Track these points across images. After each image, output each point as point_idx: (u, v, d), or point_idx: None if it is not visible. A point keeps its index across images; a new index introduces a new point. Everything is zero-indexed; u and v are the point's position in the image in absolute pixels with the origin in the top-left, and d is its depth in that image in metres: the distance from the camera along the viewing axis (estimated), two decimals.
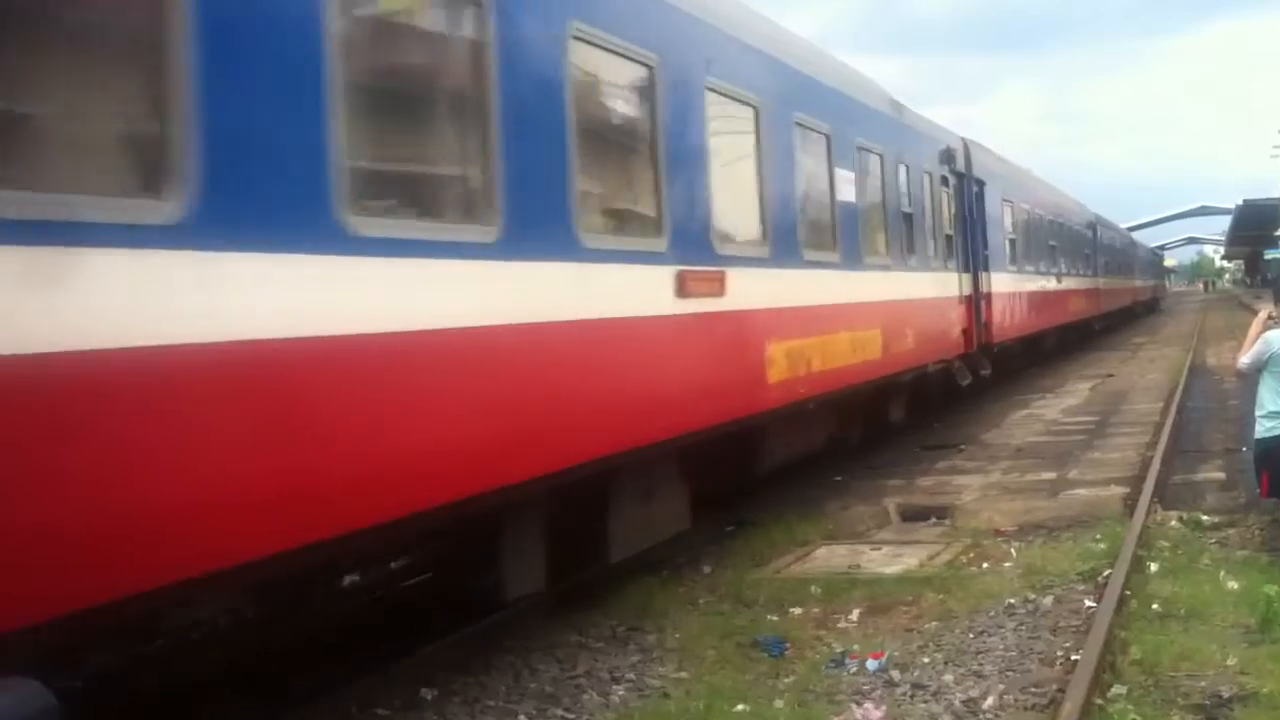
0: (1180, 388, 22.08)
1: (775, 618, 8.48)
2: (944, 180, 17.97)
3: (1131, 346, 38.75)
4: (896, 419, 16.20)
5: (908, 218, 15.48)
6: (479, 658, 7.72)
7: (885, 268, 14.28)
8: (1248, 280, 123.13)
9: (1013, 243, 23.37)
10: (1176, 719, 6.21)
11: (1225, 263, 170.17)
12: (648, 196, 8.72)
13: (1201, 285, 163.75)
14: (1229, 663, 6.90)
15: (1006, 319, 21.29)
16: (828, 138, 12.26)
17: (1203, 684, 6.61)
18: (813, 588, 9.12)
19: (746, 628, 8.21)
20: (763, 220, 10.44)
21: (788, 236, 10.92)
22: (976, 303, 18.87)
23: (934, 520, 11.59)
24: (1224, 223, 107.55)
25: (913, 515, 11.85)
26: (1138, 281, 61.79)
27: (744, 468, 11.10)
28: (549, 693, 7.20)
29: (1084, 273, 35.86)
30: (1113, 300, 44.66)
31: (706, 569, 9.99)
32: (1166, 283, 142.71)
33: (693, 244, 8.95)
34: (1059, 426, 18.28)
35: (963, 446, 16.30)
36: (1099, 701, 6.29)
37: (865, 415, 14.79)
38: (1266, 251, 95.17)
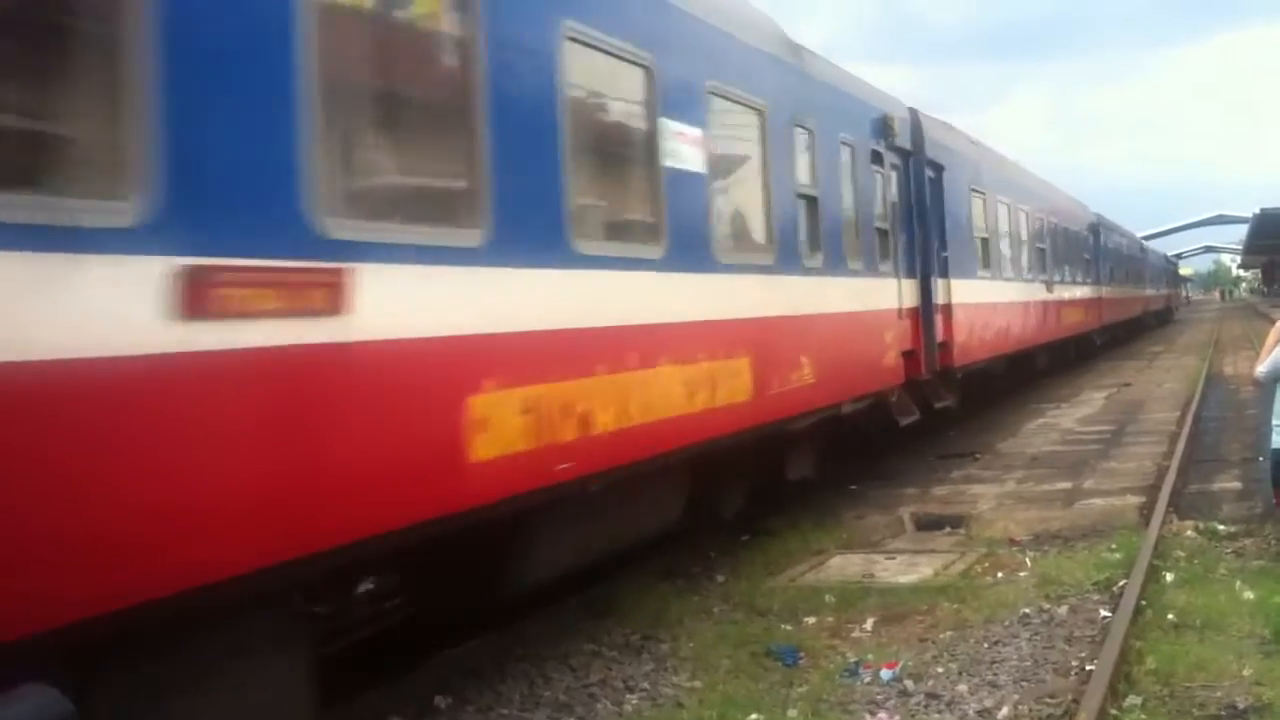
0: (1197, 397, 22.01)
1: (789, 627, 8.49)
2: (877, 158, 13.77)
3: (1148, 355, 38.60)
4: (802, 475, 11.88)
5: (809, 202, 11.35)
6: (493, 666, 7.74)
7: (763, 270, 10.14)
8: (1265, 289, 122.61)
9: (986, 243, 19.83)
10: None
11: (1242, 271, 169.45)
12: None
13: (1218, 293, 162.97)
14: (1244, 673, 6.88)
15: (977, 336, 17.86)
16: (648, 71, 8.30)
17: (1218, 695, 6.59)
18: (827, 597, 9.12)
19: (760, 637, 8.22)
20: (478, 181, 6.51)
21: (536, 214, 7.01)
22: (928, 317, 15.05)
23: (949, 529, 11.58)
24: (1241, 231, 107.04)
25: (928, 524, 11.84)
26: (1149, 290, 58.34)
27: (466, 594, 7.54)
28: (563, 701, 7.22)
29: (1083, 280, 32.26)
30: (1118, 311, 41.01)
31: (721, 578, 9.99)
32: (1184, 291, 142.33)
33: (243, 210, 5.00)
34: (1074, 436, 18.24)
35: (978, 455, 16.27)
36: (1114, 712, 6.29)
37: (749, 474, 11.00)
38: None
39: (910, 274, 14.64)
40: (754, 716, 6.68)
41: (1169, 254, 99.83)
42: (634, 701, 7.20)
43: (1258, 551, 9.85)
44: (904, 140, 14.80)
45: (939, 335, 15.46)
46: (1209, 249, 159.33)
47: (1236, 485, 13.01)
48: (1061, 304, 27.23)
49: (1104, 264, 37.26)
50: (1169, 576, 9.14)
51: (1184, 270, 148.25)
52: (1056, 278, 26.73)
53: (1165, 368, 32.54)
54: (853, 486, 13.82)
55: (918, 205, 15.26)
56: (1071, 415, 21.18)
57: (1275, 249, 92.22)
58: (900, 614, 8.62)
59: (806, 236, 11.25)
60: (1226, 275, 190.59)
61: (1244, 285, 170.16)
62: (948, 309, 16.00)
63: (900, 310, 14.00)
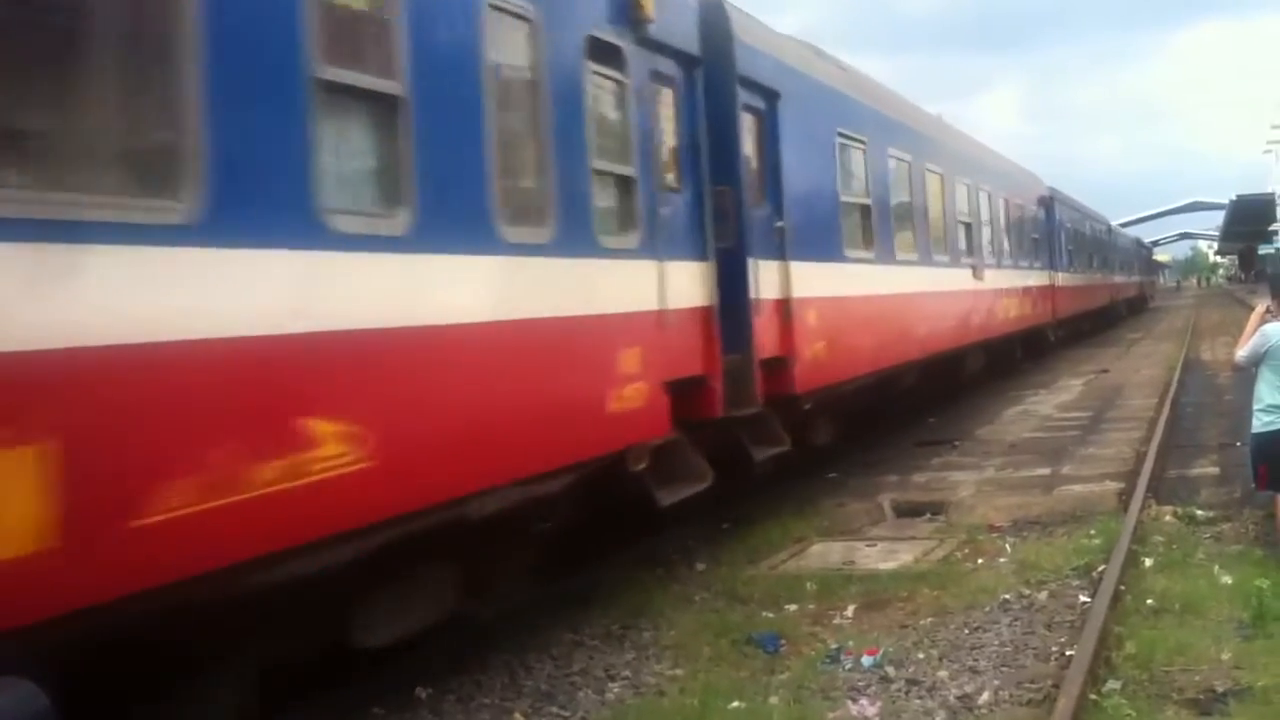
0: (1174, 383, 22.10)
1: (770, 614, 8.50)
2: (607, 54, 8.49)
3: (1126, 342, 38.75)
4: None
5: (371, 106, 6.23)
6: (475, 656, 7.72)
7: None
8: (1242, 275, 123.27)
9: (868, 214, 14.33)
10: (1171, 714, 6.22)
11: (1219, 258, 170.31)
12: None
13: (1195, 280, 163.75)
14: (1223, 657, 6.91)
15: (845, 344, 12.70)
16: None
17: (1197, 679, 6.62)
18: (808, 584, 9.13)
19: (742, 624, 8.22)
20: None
21: None
22: (736, 321, 10.14)
23: (929, 516, 11.61)
24: (1218, 218, 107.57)
25: (908, 511, 11.86)
26: (1118, 277, 53.02)
27: None
28: (545, 691, 7.21)
29: (1032, 265, 27.17)
30: (1079, 300, 36.54)
31: (701, 566, 9.99)
32: (1162, 278, 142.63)
33: None
34: (1053, 422, 18.28)
35: (957, 442, 16.29)
36: (1093, 696, 6.31)
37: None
38: (1260, 246, 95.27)
39: (694, 253, 9.56)
40: (735, 704, 6.69)
41: (1147, 241, 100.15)
42: (616, 690, 7.19)
43: (1236, 536, 9.90)
44: (680, 36, 9.64)
45: (768, 347, 10.73)
46: (1185, 235, 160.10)
47: (1214, 470, 13.07)
48: (999, 294, 22.47)
49: (1060, 246, 32.66)
50: (1148, 562, 9.19)
51: (1161, 257, 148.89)
52: (990, 262, 21.65)
53: (1143, 354, 32.69)
54: (832, 474, 13.83)
55: (717, 145, 10.14)
56: (1050, 402, 21.24)
57: (1252, 235, 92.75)
58: (881, 601, 8.64)
59: (395, 184, 6.25)
60: (1204, 262, 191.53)
61: (1221, 272, 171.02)
62: (785, 307, 11.16)
63: (664, 313, 8.78)
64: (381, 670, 7.33)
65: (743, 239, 10.41)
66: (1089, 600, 8.10)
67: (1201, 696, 6.38)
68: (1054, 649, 7.30)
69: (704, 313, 9.55)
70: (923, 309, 16.49)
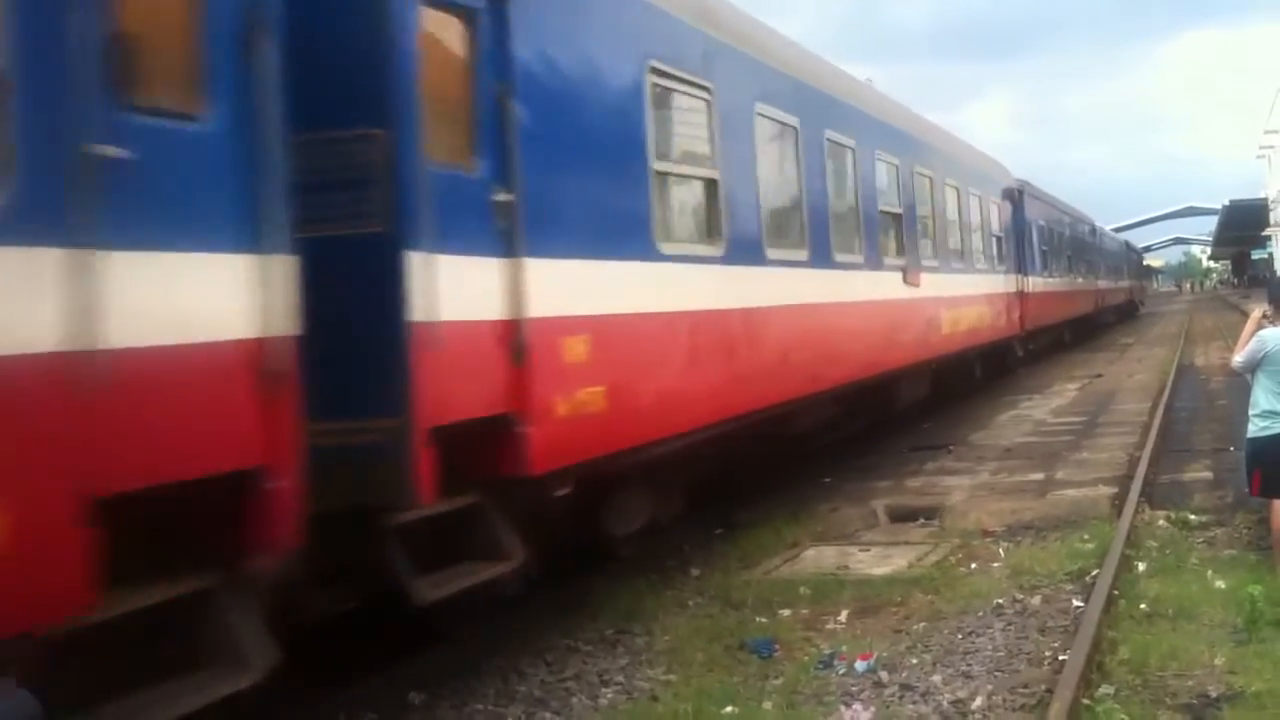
0: (1168, 388, 22.13)
1: (764, 619, 8.49)
2: None
3: (1120, 347, 38.81)
4: None
5: None
6: (468, 661, 7.71)
7: None
8: (1234, 280, 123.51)
9: (713, 192, 10.17)
10: (1164, 719, 6.22)
11: (1212, 263, 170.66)
12: None
13: (1188, 285, 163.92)
14: (1216, 662, 6.91)
15: (656, 385, 8.95)
16: None
17: (1190, 683, 6.62)
18: (801, 589, 9.12)
19: (735, 629, 8.22)
20: None
21: None
22: (372, 356, 6.31)
23: (922, 521, 11.61)
24: (1211, 223, 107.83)
25: (901, 516, 11.86)
26: (1104, 282, 48.85)
27: None
28: (538, 696, 7.20)
29: (993, 268, 23.18)
30: (1057, 308, 32.72)
31: (695, 571, 9.99)
32: (1156, 283, 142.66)
33: None
34: (1047, 427, 18.31)
35: (951, 447, 16.30)
36: (1086, 701, 6.30)
37: None
38: (1253, 251, 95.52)
39: (215, 238, 5.05)
40: (729, 709, 6.68)
41: (1140, 246, 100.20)
42: (609, 695, 7.18)
43: (1229, 541, 9.91)
44: None
45: (466, 402, 6.81)
46: (1178, 240, 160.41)
47: (1208, 475, 13.08)
48: (944, 303, 18.06)
49: (1031, 247, 28.27)
50: (1141, 566, 9.19)
51: (1154, 261, 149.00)
52: (931, 264, 17.55)
53: (1136, 358, 32.74)
54: (826, 479, 13.83)
55: (323, 40, 6.23)
56: (1044, 406, 21.27)
57: (1245, 240, 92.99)
58: (875, 605, 8.64)
59: None
60: (1197, 267, 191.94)
61: (1214, 276, 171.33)
62: (513, 334, 7.14)
63: (83, 361, 4.29)
64: (374, 675, 7.33)
65: (401, 217, 6.35)
66: (1082, 605, 8.10)
67: (1195, 701, 6.37)
68: (1047, 654, 7.29)
69: (236, 353, 5.04)
70: (818, 326, 12.22)
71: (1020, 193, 27.47)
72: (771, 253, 11.24)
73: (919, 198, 17.47)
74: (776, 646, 7.79)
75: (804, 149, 12.43)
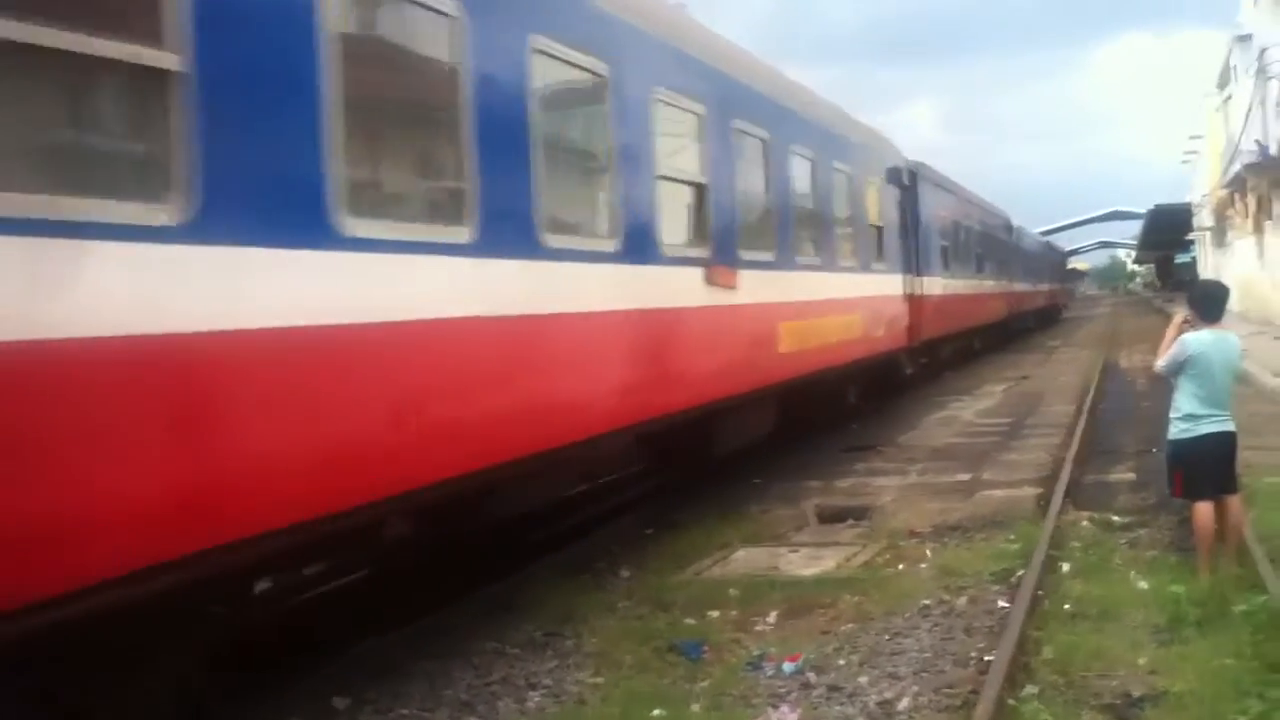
0: (1093, 390, 22.42)
1: (693, 621, 8.47)
2: None
3: (1046, 349, 39.30)
4: None
5: None
6: (394, 665, 7.63)
7: None
8: (1158, 283, 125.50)
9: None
10: (1088, 719, 6.28)
11: (1137, 266, 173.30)
12: None
13: (1115, 289, 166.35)
14: (1139, 662, 6.99)
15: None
16: None
17: (1114, 683, 6.68)
18: (731, 590, 9.12)
19: (665, 631, 8.19)
20: None
21: None
22: None
23: (852, 522, 11.65)
24: (1136, 227, 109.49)
25: (831, 517, 11.90)
26: (1022, 285, 44.99)
27: None
28: (464, 700, 7.14)
29: (870, 266, 18.22)
30: (962, 314, 28.78)
31: (625, 573, 9.96)
32: (1082, 286, 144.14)
33: None
34: (975, 428, 18.47)
35: (881, 448, 16.42)
36: (1011, 702, 6.34)
37: None
38: (1177, 255, 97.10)
39: None
40: (657, 712, 6.65)
41: (1066, 248, 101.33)
42: (537, 699, 7.13)
43: (1151, 542, 10.03)
44: None
45: None
46: (1105, 243, 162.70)
47: (1131, 476, 13.24)
48: (786, 309, 13.47)
49: (926, 242, 23.95)
50: (1066, 567, 9.28)
51: (1081, 265, 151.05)
52: (761, 258, 12.78)
53: (1063, 360, 33.16)
54: (757, 480, 13.86)
55: None
56: (972, 408, 21.47)
57: (1169, 244, 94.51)
58: (803, 607, 8.65)
59: None
60: (1122, 270, 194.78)
61: (1139, 280, 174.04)
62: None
63: None
64: (299, 679, 7.23)
65: None
66: (1008, 605, 8.16)
67: (1118, 701, 6.43)
68: (973, 654, 7.34)
69: None
70: (527, 348, 8.03)
71: (913, 176, 22.84)
72: (404, 232, 6.85)
73: (745, 167, 12.66)
74: (705, 648, 7.78)
75: (490, 67, 7.78)
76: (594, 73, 9.22)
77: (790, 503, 12.57)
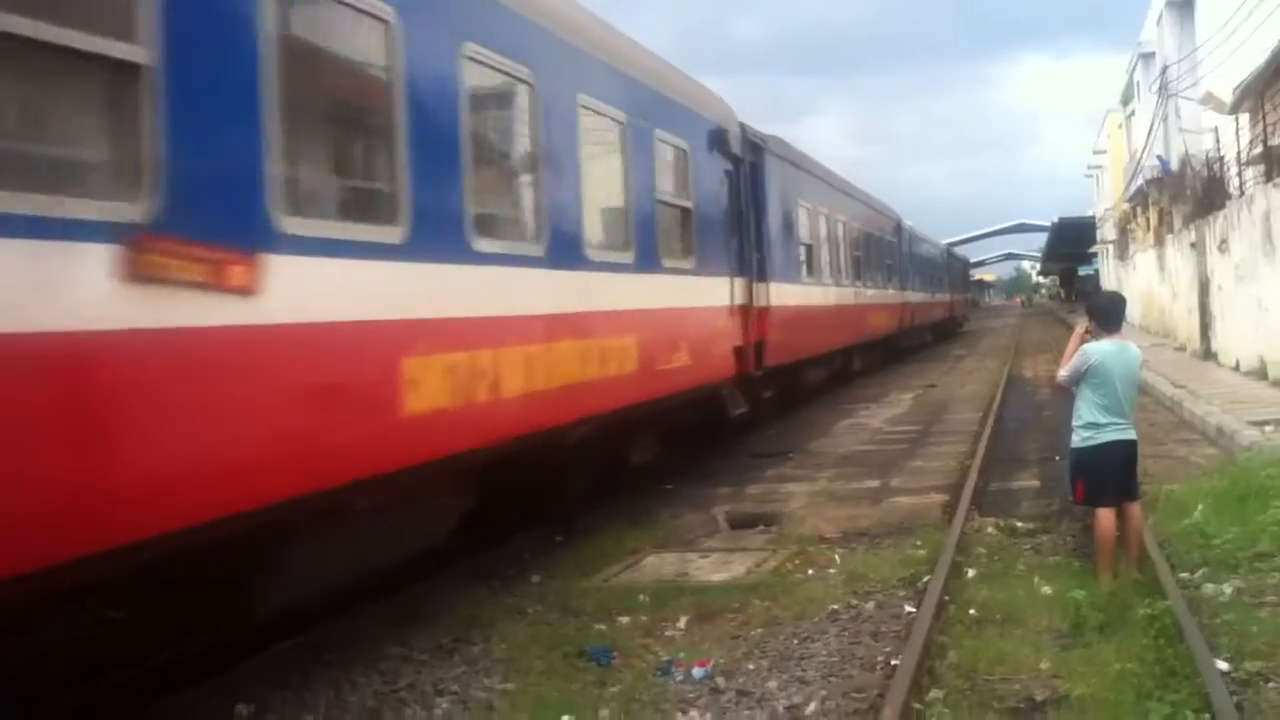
0: (998, 398, 22.76)
1: (603, 627, 8.44)
2: None
3: (953, 359, 39.87)
4: None
5: None
6: (298, 671, 7.50)
7: None
8: (1062, 295, 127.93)
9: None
10: None
11: (1042, 278, 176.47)
12: None
13: (1019, 301, 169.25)
14: (1042, 666, 7.07)
15: None
16: None
17: (1017, 687, 6.75)
18: (641, 596, 9.11)
19: (574, 637, 8.15)
20: None
21: None
22: None
23: (762, 528, 11.70)
24: (1041, 239, 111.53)
25: (741, 523, 11.94)
26: (915, 295, 40.59)
27: None
28: (370, 707, 7.04)
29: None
30: (832, 329, 24.05)
31: (535, 578, 9.90)
32: (987, 296, 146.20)
33: None
34: (883, 435, 18.67)
35: (791, 455, 16.53)
36: (917, 706, 6.39)
37: None
38: (1080, 268, 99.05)
39: None
40: (566, 717, 6.61)
41: (973, 260, 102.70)
42: (444, 706, 7.05)
43: (1054, 547, 10.17)
44: None
45: None
46: (1010, 255, 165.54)
47: (1035, 484, 13.44)
48: (373, 334, 7.23)
49: (779, 238, 19.18)
50: (971, 572, 9.38)
51: (987, 276, 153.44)
52: (348, 235, 7.14)
53: (968, 370, 33.65)
54: (668, 486, 13.88)
55: None
56: (880, 415, 21.69)
57: (1072, 257, 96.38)
58: (713, 612, 8.66)
59: None
60: (1027, 282, 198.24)
61: (1043, 291, 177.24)
62: None
63: None
64: (200, 686, 7.08)
65: None
66: (914, 610, 8.23)
67: (1021, 705, 6.50)
68: (880, 659, 7.39)
69: None
70: None
71: (756, 150, 17.93)
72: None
73: (476, 119, 8.87)
74: (615, 654, 7.74)
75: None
76: None
77: (700, 508, 12.60)
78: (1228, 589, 8.40)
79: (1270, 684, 6.58)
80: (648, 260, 12.20)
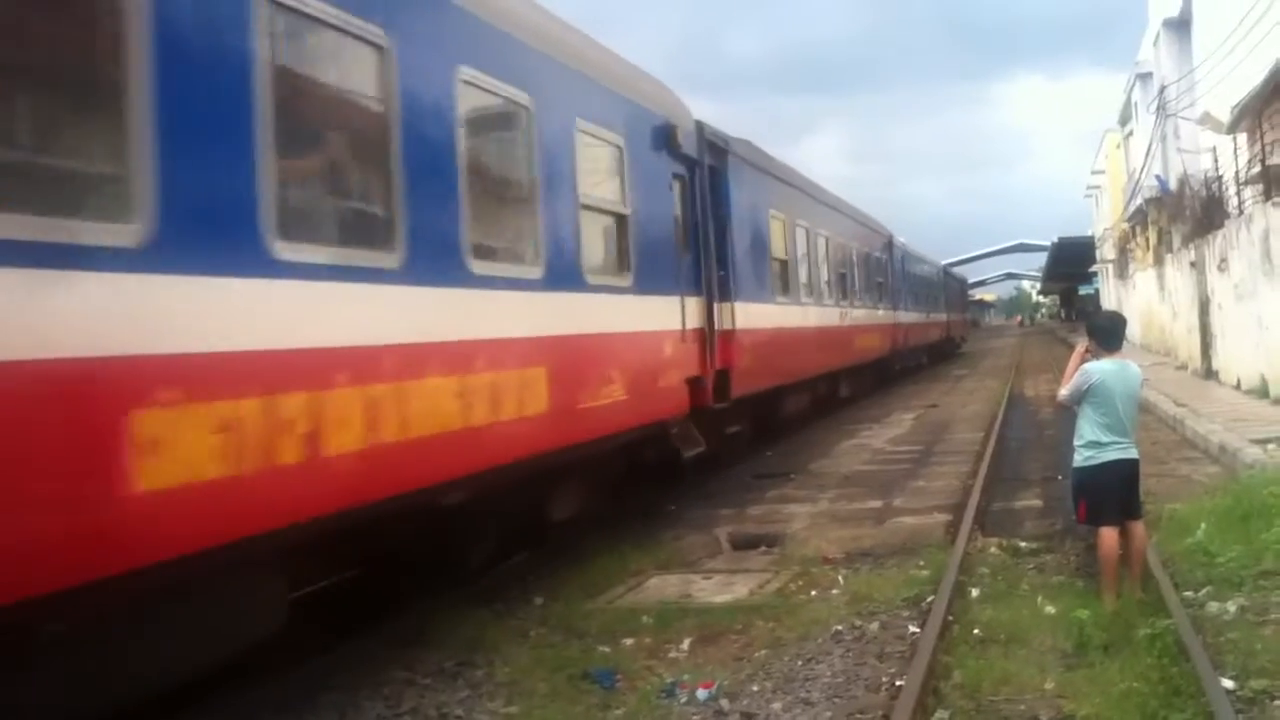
0: (1000, 418, 22.76)
1: (607, 649, 8.44)
2: None
3: (953, 379, 39.86)
4: None
5: None
6: (304, 697, 7.49)
7: None
8: (1062, 314, 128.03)
9: None
10: None
11: (1042, 298, 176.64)
12: None
13: (1018, 321, 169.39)
14: (1047, 686, 7.07)
15: None
16: None
17: (1022, 707, 6.75)
18: (644, 618, 9.10)
19: (578, 659, 8.14)
20: None
21: None
22: None
23: (764, 549, 11.68)
24: (1041, 259, 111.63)
25: (744, 544, 11.92)
26: (908, 315, 38.16)
27: None
28: None
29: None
30: (806, 355, 21.16)
31: (538, 600, 9.89)
32: (988, 316, 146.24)
33: None
34: (885, 455, 18.66)
35: (793, 475, 16.52)
36: None
37: None
38: (1080, 287, 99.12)
39: None
40: None
41: (972, 280, 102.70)
42: None
43: (1058, 567, 10.16)
44: None
45: None
46: (1010, 275, 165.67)
47: (1038, 503, 13.43)
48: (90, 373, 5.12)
49: (748, 253, 17.10)
50: (975, 592, 9.37)
51: (987, 296, 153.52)
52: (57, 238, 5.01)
53: (969, 390, 33.64)
54: (671, 507, 13.87)
55: None
56: (882, 436, 21.69)
57: (1072, 276, 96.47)
58: (716, 633, 8.65)
59: None
60: (1027, 301, 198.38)
61: (1043, 311, 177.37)
62: None
63: None
64: (206, 710, 7.07)
65: None
66: (918, 631, 8.23)
67: None
68: (884, 679, 7.37)
69: None
70: None
71: (719, 153, 15.72)
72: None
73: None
74: (619, 676, 7.74)
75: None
76: None
77: (703, 530, 12.59)
78: (1232, 607, 8.39)
79: (1276, 702, 6.57)
80: (563, 276, 10.08)
